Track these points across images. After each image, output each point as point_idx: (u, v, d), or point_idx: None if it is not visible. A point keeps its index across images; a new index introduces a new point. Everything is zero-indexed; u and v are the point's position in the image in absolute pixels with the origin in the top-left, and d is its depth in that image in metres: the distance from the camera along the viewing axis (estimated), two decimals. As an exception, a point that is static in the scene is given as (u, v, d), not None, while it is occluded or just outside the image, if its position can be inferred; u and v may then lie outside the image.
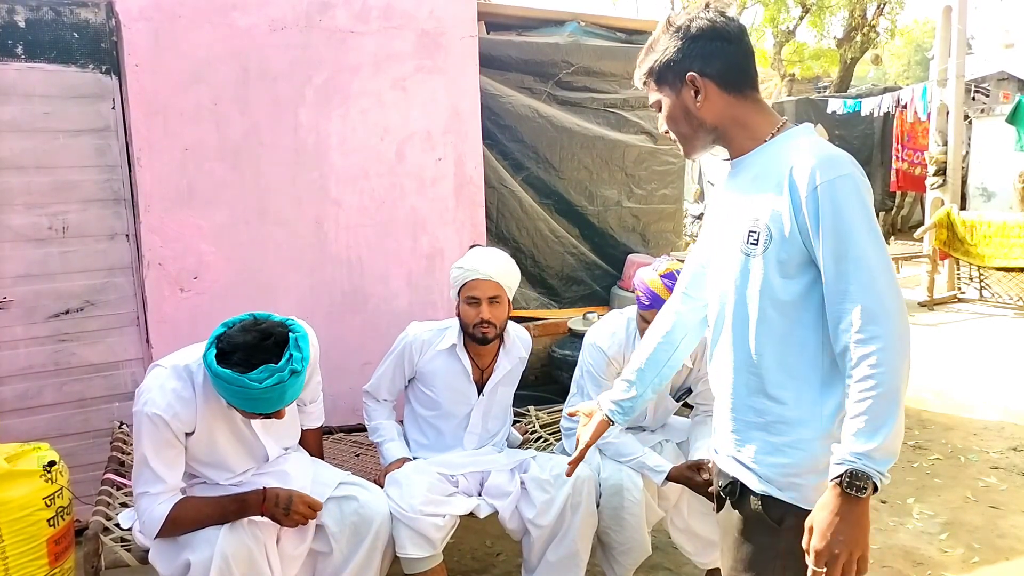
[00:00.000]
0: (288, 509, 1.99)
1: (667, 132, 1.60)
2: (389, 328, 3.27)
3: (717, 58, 1.50)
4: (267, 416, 2.02)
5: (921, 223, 9.59)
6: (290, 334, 1.93)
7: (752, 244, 1.46)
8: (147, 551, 2.08)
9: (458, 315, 2.57)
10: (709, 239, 1.65)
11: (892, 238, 10.16)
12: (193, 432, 2.04)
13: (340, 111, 3.28)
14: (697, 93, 1.50)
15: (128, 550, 2.13)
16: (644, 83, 1.59)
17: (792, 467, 1.46)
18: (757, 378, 1.50)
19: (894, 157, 10.83)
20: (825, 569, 1.34)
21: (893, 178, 10.89)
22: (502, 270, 2.54)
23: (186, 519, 1.98)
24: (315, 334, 2.27)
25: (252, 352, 1.86)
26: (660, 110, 1.58)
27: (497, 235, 4.23)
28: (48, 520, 2.33)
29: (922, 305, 7.81)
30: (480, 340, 2.52)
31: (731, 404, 1.56)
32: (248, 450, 2.19)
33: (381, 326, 3.43)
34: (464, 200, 3.64)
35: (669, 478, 2.49)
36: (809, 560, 1.36)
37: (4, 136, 2.79)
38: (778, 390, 1.47)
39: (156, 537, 2.00)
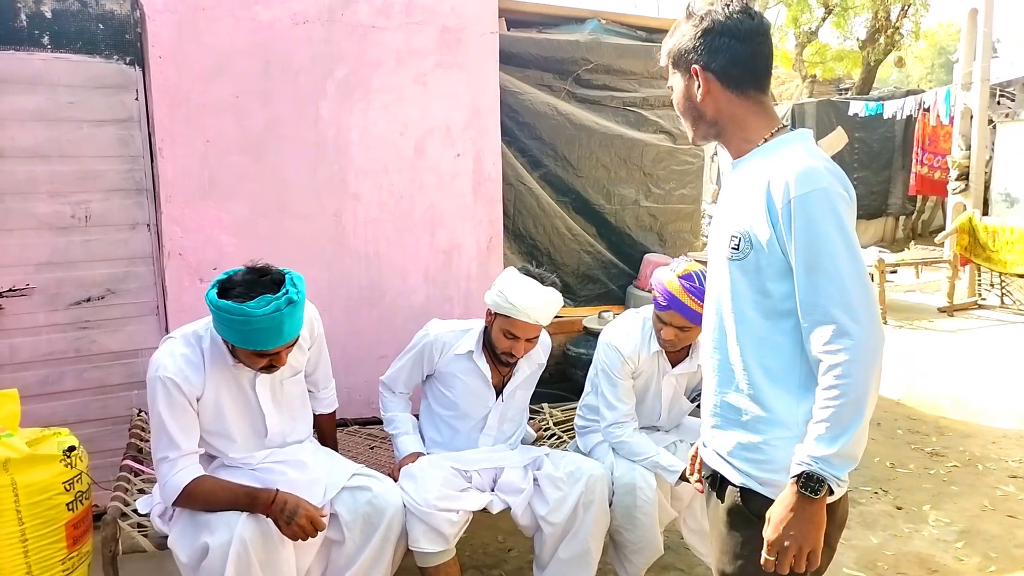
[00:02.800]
0: (291, 519, 2.01)
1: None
2: (405, 323, 3.29)
3: (723, 54, 1.53)
4: (268, 358, 2.05)
5: (942, 228, 9.49)
6: (286, 275, 2.05)
7: (734, 249, 1.52)
8: (165, 537, 2.11)
9: (487, 327, 2.55)
10: (711, 240, 1.70)
11: (912, 243, 10.05)
12: (202, 396, 2.10)
13: (361, 105, 3.29)
14: (699, 86, 1.55)
15: (145, 535, 2.16)
16: (665, 63, 1.64)
17: (769, 464, 1.51)
18: (737, 378, 1.56)
19: (915, 161, 10.71)
20: (775, 558, 1.43)
21: (913, 182, 10.77)
22: (547, 314, 2.46)
23: (200, 497, 2.04)
24: (318, 315, 2.31)
25: (251, 286, 1.99)
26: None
27: (514, 232, 4.23)
28: (67, 504, 2.36)
29: (941, 311, 7.73)
30: (502, 363, 2.54)
31: (714, 401, 1.63)
32: (251, 421, 2.22)
33: (398, 320, 3.44)
34: (482, 196, 3.64)
35: (683, 478, 2.49)
36: (763, 549, 1.45)
37: (30, 125, 2.83)
38: (757, 391, 1.53)
39: (172, 505, 2.06)
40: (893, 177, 11.52)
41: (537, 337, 2.49)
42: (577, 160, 4.40)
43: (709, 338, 1.64)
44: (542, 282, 2.46)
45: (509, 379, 2.60)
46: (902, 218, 12.15)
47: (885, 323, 6.77)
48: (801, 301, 1.44)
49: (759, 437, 1.52)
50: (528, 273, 2.49)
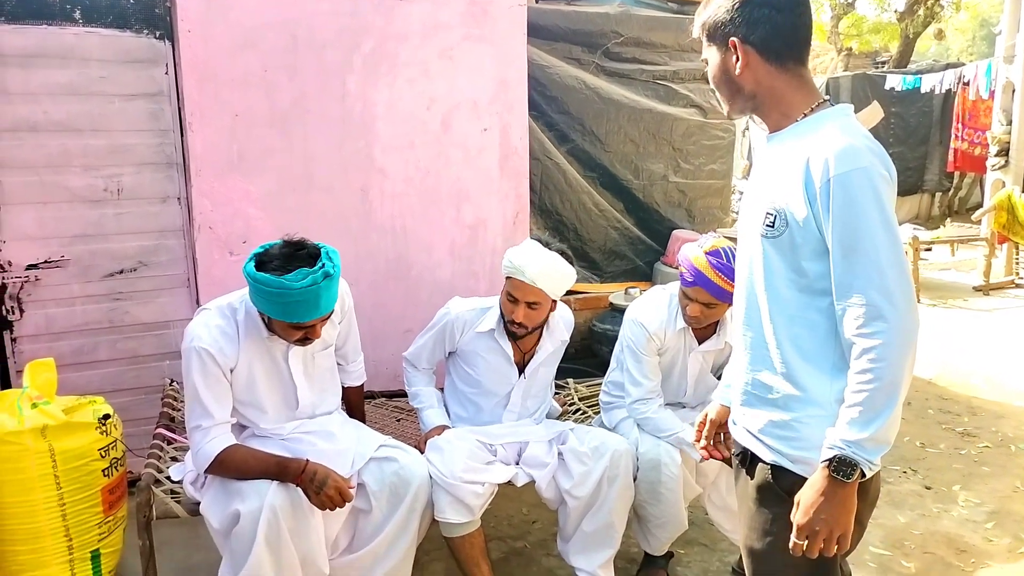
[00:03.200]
0: (320, 489, 2.04)
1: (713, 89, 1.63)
2: (431, 297, 3.30)
3: (763, 25, 1.48)
4: (304, 330, 2.08)
5: (979, 205, 9.27)
6: (321, 248, 2.07)
7: (768, 226, 1.49)
8: (197, 503, 2.16)
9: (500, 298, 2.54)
10: (742, 214, 1.67)
11: (948, 220, 9.82)
12: (235, 367, 2.13)
13: (387, 79, 3.28)
14: (738, 59, 1.51)
15: (178, 502, 2.21)
16: (699, 35, 1.60)
17: (800, 442, 1.50)
18: (770, 356, 1.54)
19: (953, 136, 10.44)
20: (806, 542, 1.42)
21: (951, 158, 10.51)
22: (548, 278, 2.40)
23: (231, 465, 2.08)
24: (348, 289, 2.33)
25: (288, 260, 2.01)
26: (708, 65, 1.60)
27: (540, 207, 4.21)
28: (103, 470, 2.43)
29: (977, 290, 7.57)
30: (511, 334, 2.52)
31: (746, 379, 1.61)
32: (283, 392, 2.25)
33: (423, 295, 3.46)
34: (509, 171, 3.63)
35: (708, 454, 2.48)
36: (792, 533, 1.44)
37: (62, 99, 2.86)
38: (789, 369, 1.51)
39: (204, 472, 2.11)
40: (930, 153, 11.25)
41: (539, 304, 2.42)
42: (605, 135, 4.36)
43: (741, 315, 1.62)
44: (546, 247, 2.44)
45: (532, 357, 2.60)
46: (938, 195, 11.88)
47: (919, 302, 6.64)
48: (836, 282, 1.41)
49: (790, 415, 1.51)
50: (536, 239, 2.49)
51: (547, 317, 2.52)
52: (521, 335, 2.50)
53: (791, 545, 1.45)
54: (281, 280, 1.95)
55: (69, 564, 2.36)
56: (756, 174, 1.61)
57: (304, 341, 2.14)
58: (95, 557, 2.43)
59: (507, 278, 2.45)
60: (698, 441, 1.91)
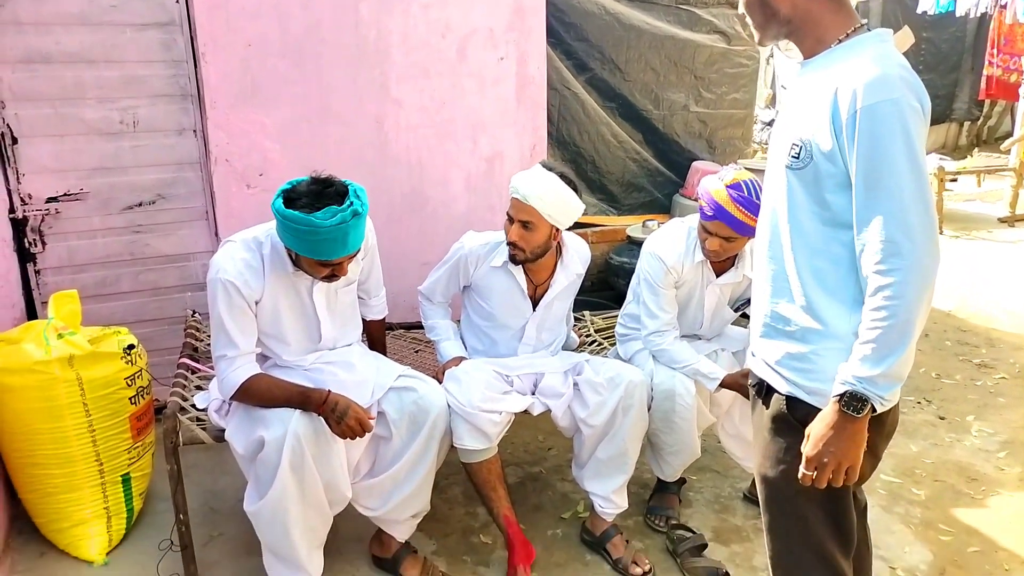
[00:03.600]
0: (341, 418, 2.08)
1: (743, 15, 1.58)
2: (448, 231, 3.30)
3: None
4: (332, 267, 2.09)
5: (1009, 134, 9.00)
6: (349, 186, 2.07)
7: (794, 157, 1.47)
8: (222, 430, 2.23)
9: None
10: (771, 146, 1.65)
11: (976, 149, 9.56)
12: (260, 300, 2.16)
13: (401, 6, 3.20)
14: None
15: (204, 429, 2.27)
16: None
17: (816, 374, 1.51)
18: (791, 288, 1.54)
19: (987, 62, 10.06)
20: (815, 473, 1.46)
21: (983, 85, 10.15)
22: (542, 196, 2.35)
23: (255, 393, 2.13)
24: (372, 226, 2.33)
25: (316, 197, 2.00)
26: None
27: (558, 139, 4.15)
28: (130, 398, 2.50)
29: (1002, 221, 7.44)
30: (510, 258, 2.49)
31: (765, 310, 1.62)
32: (306, 326, 2.29)
33: (440, 229, 3.46)
34: (526, 101, 3.57)
35: (723, 385, 2.51)
36: (802, 464, 1.48)
37: (74, 29, 2.83)
38: (810, 302, 1.51)
39: (229, 400, 2.17)
40: (960, 80, 10.87)
41: (532, 224, 2.38)
42: (625, 63, 4.24)
43: (764, 247, 1.61)
44: (549, 170, 2.41)
45: (545, 290, 2.60)
46: (967, 124, 11.54)
47: (941, 233, 6.55)
48: (857, 217, 1.40)
49: (808, 347, 1.52)
50: (541, 163, 2.46)
51: (548, 245, 2.46)
52: (520, 259, 2.46)
53: (800, 476, 1.48)
54: (310, 218, 1.95)
55: (101, 487, 2.46)
56: (786, 104, 1.58)
57: (331, 278, 2.16)
58: (126, 480, 2.52)
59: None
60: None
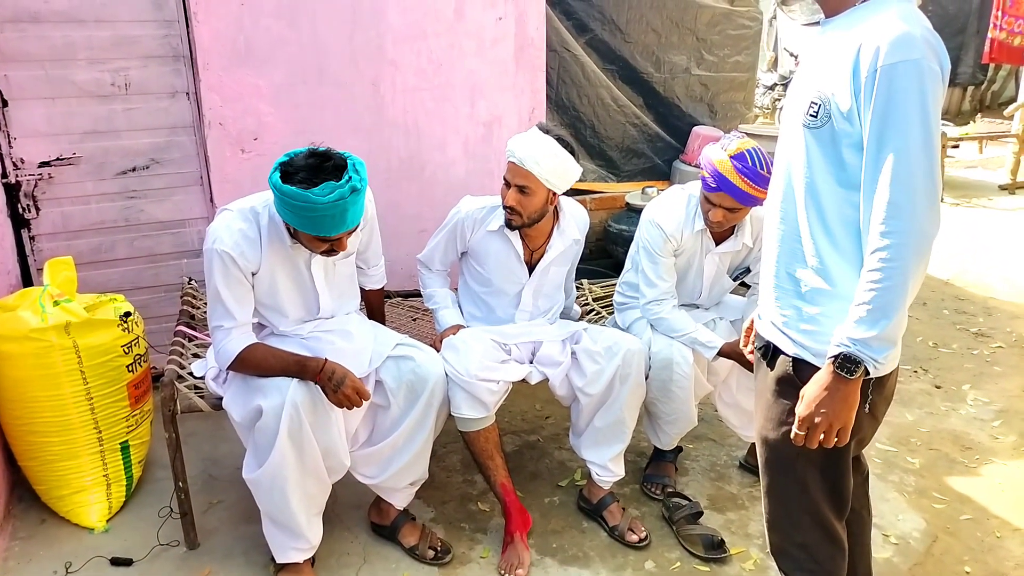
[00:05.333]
0: (338, 387, 2.07)
1: None
2: (446, 196, 3.26)
3: None
4: (330, 243, 2.07)
5: (1012, 99, 8.91)
6: (348, 160, 2.02)
7: (812, 116, 1.46)
8: (219, 398, 2.22)
9: None
10: (786, 105, 1.63)
11: (979, 115, 9.47)
12: (257, 272, 2.14)
13: (398, -35, 3.13)
14: None
15: (201, 397, 2.27)
16: None
17: (824, 336, 1.50)
18: (803, 250, 1.54)
19: (992, 25, 9.91)
20: (805, 433, 1.48)
21: (987, 48, 10.01)
22: (539, 160, 2.30)
23: (252, 363, 2.11)
24: (372, 196, 2.29)
25: (314, 172, 1.96)
26: None
27: (557, 103, 4.09)
28: (127, 366, 2.49)
29: (1003, 188, 7.40)
30: (506, 223, 2.46)
31: (774, 271, 1.61)
32: (304, 298, 2.27)
33: (438, 194, 3.42)
34: (524, 64, 3.50)
35: (721, 354, 2.50)
36: (794, 424, 1.50)
37: (62, -13, 2.76)
38: (822, 263, 1.51)
39: (226, 369, 2.15)
40: (966, 43, 10.72)
41: (529, 189, 2.34)
42: (626, 24, 4.17)
43: (776, 208, 1.60)
44: (545, 133, 2.36)
45: (542, 256, 2.58)
46: (970, 88, 11.43)
47: (942, 200, 6.52)
48: (865, 175, 1.39)
49: (817, 309, 1.52)
50: (537, 125, 2.41)
51: (545, 210, 2.43)
52: (516, 224, 2.43)
53: (792, 435, 1.50)
54: (307, 194, 1.91)
55: (100, 455, 2.46)
56: (806, 61, 1.56)
57: (330, 252, 2.13)
58: (124, 448, 2.53)
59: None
60: (745, 346, 1.92)
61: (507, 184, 2.39)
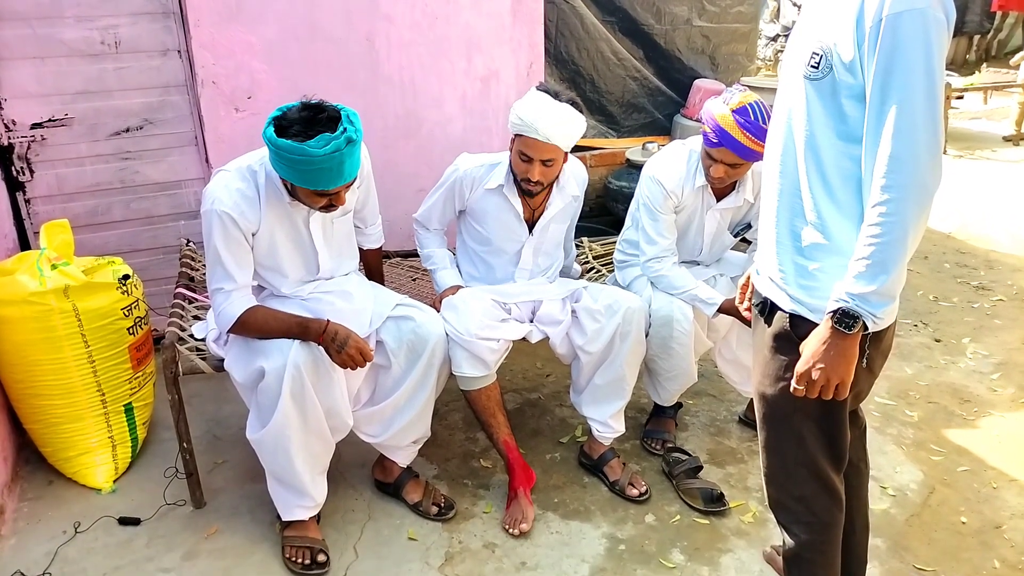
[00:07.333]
0: (341, 348, 2.07)
1: None
2: (443, 154, 3.23)
3: None
4: (329, 197, 2.05)
5: (1019, 49, 8.77)
6: (341, 111, 1.99)
7: (813, 67, 1.44)
8: (221, 360, 2.23)
9: (511, 157, 2.44)
10: (786, 56, 1.60)
11: (984, 64, 9.34)
12: (257, 232, 2.12)
13: (391, -85, 3.04)
14: None
15: (203, 359, 2.28)
16: None
17: (821, 291, 1.50)
18: (802, 204, 1.52)
19: (1001, -29, 9.70)
20: (804, 388, 1.48)
21: (997, -5, 9.82)
22: (564, 133, 2.28)
23: (253, 325, 2.11)
24: (367, 152, 2.26)
25: (308, 124, 1.93)
26: None
27: (555, 56, 4.02)
28: (128, 329, 2.49)
29: (1006, 140, 7.33)
30: (526, 192, 2.44)
31: (774, 226, 1.60)
32: (304, 258, 2.26)
33: (435, 152, 3.38)
34: (522, 16, 3.43)
35: (721, 310, 2.50)
36: (793, 379, 1.50)
37: (46, -57, 2.69)
38: (821, 218, 1.49)
39: (227, 332, 2.15)
40: (975, -10, 10.53)
41: (554, 160, 2.34)
42: (625, -26, 4.08)
43: (775, 162, 1.58)
44: (556, 98, 2.32)
45: (541, 213, 2.56)
46: (976, 38, 11.24)
47: (945, 153, 6.45)
48: (867, 128, 1.37)
49: (816, 264, 1.51)
50: (544, 90, 2.35)
51: (559, 173, 2.46)
52: (538, 192, 2.44)
53: (791, 389, 1.51)
54: (303, 147, 1.88)
55: (104, 417, 2.48)
56: (805, 13, 1.52)
57: (329, 208, 2.11)
58: (128, 410, 2.55)
59: (517, 136, 2.35)
60: (741, 303, 1.92)
61: (527, 159, 2.33)
